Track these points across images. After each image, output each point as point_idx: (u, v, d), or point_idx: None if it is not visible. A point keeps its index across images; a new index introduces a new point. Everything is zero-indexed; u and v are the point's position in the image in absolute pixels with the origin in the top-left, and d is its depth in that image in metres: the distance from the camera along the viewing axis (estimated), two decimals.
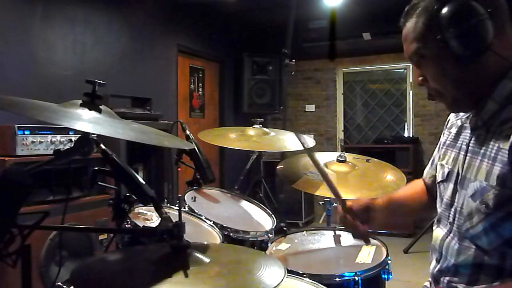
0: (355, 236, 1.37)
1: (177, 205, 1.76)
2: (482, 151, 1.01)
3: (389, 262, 1.54)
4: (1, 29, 3.06)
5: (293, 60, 4.00)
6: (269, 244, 1.70)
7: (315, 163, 1.25)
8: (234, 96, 6.16)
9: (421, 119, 5.65)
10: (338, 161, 1.84)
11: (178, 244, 0.85)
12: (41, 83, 3.32)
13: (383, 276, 1.50)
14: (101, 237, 2.79)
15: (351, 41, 5.54)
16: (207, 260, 0.86)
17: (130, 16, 4.26)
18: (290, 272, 1.38)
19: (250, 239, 1.66)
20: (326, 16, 5.43)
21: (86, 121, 0.88)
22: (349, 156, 1.88)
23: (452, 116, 1.23)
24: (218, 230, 1.63)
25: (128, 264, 0.91)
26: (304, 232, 1.86)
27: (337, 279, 1.41)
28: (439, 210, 1.19)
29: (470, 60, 0.97)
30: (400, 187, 1.55)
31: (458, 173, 1.09)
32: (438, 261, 1.12)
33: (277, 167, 1.91)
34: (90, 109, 0.92)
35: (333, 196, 1.34)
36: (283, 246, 1.72)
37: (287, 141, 1.96)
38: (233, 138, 1.93)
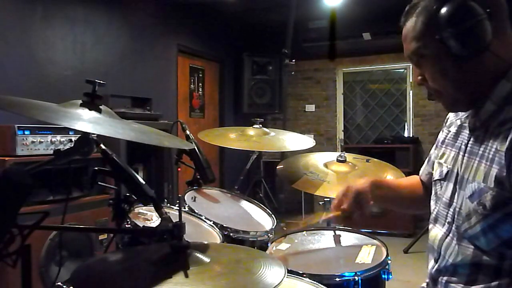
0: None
1: (177, 205, 1.76)
2: (480, 152, 1.01)
3: (389, 262, 1.54)
4: (1, 29, 3.06)
5: (293, 60, 4.00)
6: (269, 244, 1.70)
7: None
8: (234, 96, 6.16)
9: (421, 119, 5.65)
10: (338, 161, 1.85)
11: (178, 244, 0.85)
12: (41, 83, 3.33)
13: (383, 276, 1.50)
14: (101, 237, 2.79)
15: (351, 41, 5.54)
16: (207, 260, 0.86)
17: (130, 16, 4.26)
18: (290, 272, 1.38)
19: (250, 239, 1.66)
20: (326, 16, 5.43)
21: (86, 121, 0.88)
22: (349, 156, 1.89)
23: (451, 114, 1.23)
24: (218, 230, 1.63)
25: (128, 264, 0.91)
26: (304, 232, 1.86)
27: (337, 279, 1.41)
28: (433, 207, 1.18)
29: (469, 60, 0.97)
30: None
31: (457, 173, 1.09)
32: (436, 261, 1.12)
33: (277, 167, 1.91)
34: (90, 109, 0.92)
35: (333, 196, 1.33)
36: (283, 246, 1.72)
37: (287, 141, 1.96)
38: (233, 138, 1.93)
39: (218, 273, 0.83)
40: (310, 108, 6.26)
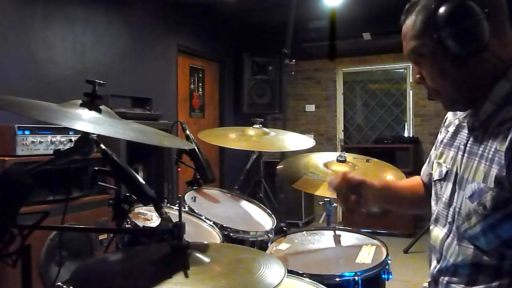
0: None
1: (177, 205, 1.76)
2: (479, 152, 1.01)
3: (389, 262, 1.54)
4: (1, 29, 3.06)
5: (293, 60, 3.99)
6: (269, 244, 1.70)
7: None
8: (234, 96, 6.16)
9: (421, 119, 5.65)
10: (338, 161, 1.85)
11: (178, 244, 0.85)
12: (41, 83, 3.32)
13: (383, 276, 1.50)
14: (101, 237, 2.79)
15: (351, 41, 5.54)
16: (207, 260, 0.86)
17: (130, 16, 4.26)
18: (290, 272, 1.38)
19: (250, 239, 1.66)
20: (326, 16, 5.43)
21: (86, 121, 0.88)
22: (349, 156, 1.89)
23: (450, 114, 1.23)
24: (218, 230, 1.63)
25: (128, 264, 0.91)
26: (304, 232, 1.86)
27: (337, 279, 1.42)
28: (434, 208, 1.18)
29: (467, 60, 0.97)
30: None
31: (456, 173, 1.09)
32: (438, 261, 1.12)
33: (277, 167, 1.91)
34: (90, 109, 0.92)
35: (334, 197, 1.32)
36: (283, 246, 1.72)
37: (287, 141, 1.97)
38: (233, 138, 1.93)
39: (218, 273, 0.83)
40: (310, 108, 6.26)
